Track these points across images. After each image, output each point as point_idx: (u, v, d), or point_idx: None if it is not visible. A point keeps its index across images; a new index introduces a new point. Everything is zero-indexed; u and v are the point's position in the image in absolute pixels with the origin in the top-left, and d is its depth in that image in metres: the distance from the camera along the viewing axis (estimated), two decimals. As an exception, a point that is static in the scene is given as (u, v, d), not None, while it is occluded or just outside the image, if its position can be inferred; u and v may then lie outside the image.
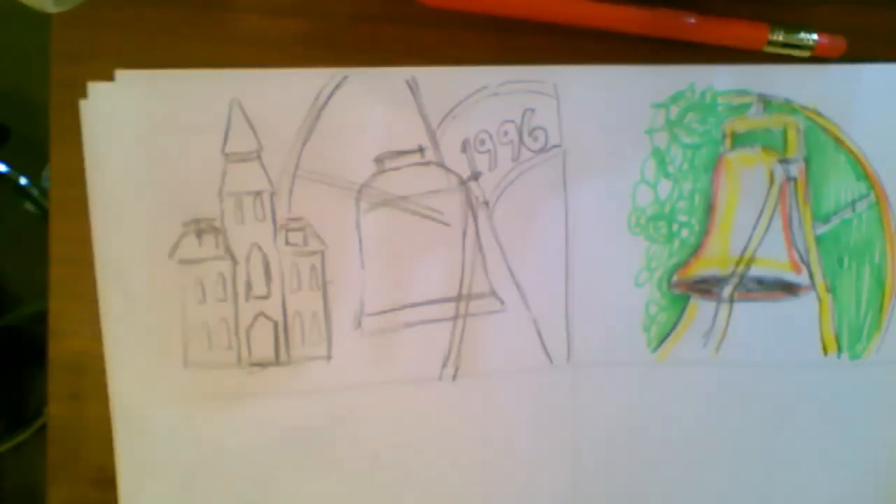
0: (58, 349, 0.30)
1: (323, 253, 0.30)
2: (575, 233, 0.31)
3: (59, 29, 0.29)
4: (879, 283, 0.32)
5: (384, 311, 0.31)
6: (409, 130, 0.31)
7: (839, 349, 0.32)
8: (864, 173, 0.32)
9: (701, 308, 0.32)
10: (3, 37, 0.29)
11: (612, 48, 0.31)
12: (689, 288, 0.32)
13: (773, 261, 0.32)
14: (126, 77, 0.29)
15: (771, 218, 0.32)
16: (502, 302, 0.31)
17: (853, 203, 0.32)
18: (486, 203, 0.31)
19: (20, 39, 0.29)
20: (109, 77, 0.29)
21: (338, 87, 0.30)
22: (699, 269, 0.32)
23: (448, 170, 0.31)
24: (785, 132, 0.32)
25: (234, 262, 0.30)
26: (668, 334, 0.32)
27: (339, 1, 0.31)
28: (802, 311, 0.32)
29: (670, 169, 0.32)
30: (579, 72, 0.31)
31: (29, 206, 0.74)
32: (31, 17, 0.28)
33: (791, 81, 0.32)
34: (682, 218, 0.32)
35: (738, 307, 0.32)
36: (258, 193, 0.30)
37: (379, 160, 0.30)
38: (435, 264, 0.31)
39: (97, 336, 0.30)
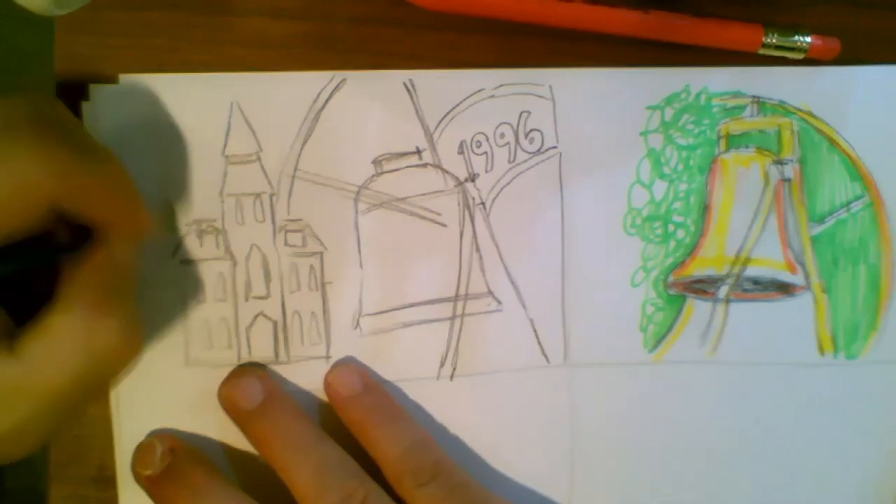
0: (60, 349, 0.30)
1: (322, 254, 0.31)
2: (571, 233, 0.32)
3: (62, 32, 0.30)
4: (875, 283, 0.32)
5: (382, 312, 0.31)
6: (407, 132, 0.31)
7: (835, 349, 0.32)
8: (858, 174, 0.32)
9: (697, 308, 0.32)
10: (7, 39, 0.30)
11: (608, 51, 0.32)
12: (685, 288, 0.32)
13: (769, 261, 0.32)
14: (129, 80, 0.30)
15: (766, 218, 0.32)
16: (499, 302, 0.32)
17: (848, 204, 0.32)
18: (483, 204, 0.31)
19: (23, 42, 0.30)
20: (112, 80, 0.29)
21: (336, 89, 0.30)
22: (695, 270, 0.32)
23: (445, 171, 0.31)
24: (779, 133, 0.32)
25: (234, 262, 0.30)
26: (665, 335, 0.32)
27: (338, 4, 0.31)
28: (798, 311, 0.32)
29: (665, 170, 0.32)
30: (575, 74, 0.31)
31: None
32: (34, 21, 0.28)
33: (785, 83, 0.32)
34: (678, 219, 0.32)
35: (735, 307, 0.32)
36: (258, 195, 0.30)
37: (377, 162, 0.31)
38: (432, 265, 0.31)
39: (99, 336, 0.30)
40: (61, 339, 0.23)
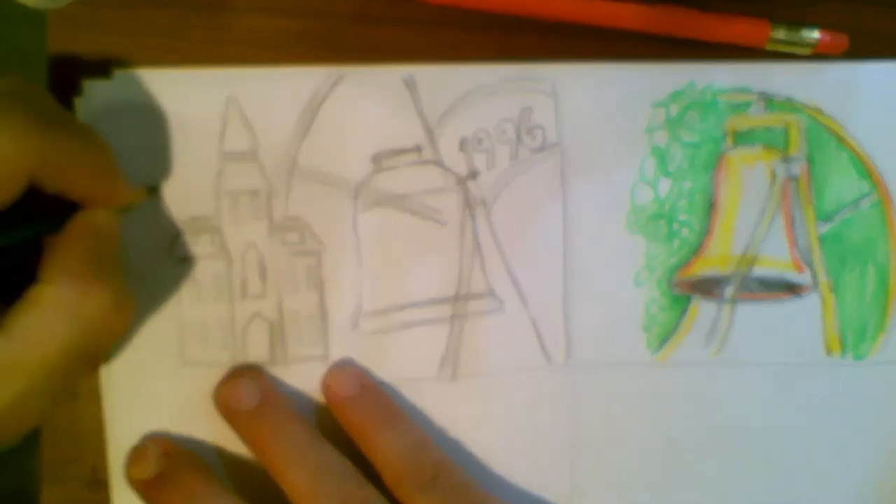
0: (53, 349, 0.30)
1: (319, 252, 0.30)
2: (573, 232, 0.31)
3: (55, 29, 0.29)
4: (883, 282, 0.32)
5: (381, 311, 0.31)
6: (407, 129, 0.30)
7: (843, 349, 0.32)
8: (866, 172, 0.32)
9: (702, 308, 0.32)
10: (2, 39, 0.29)
11: (611, 46, 0.31)
12: (690, 288, 0.32)
13: (776, 260, 0.32)
14: (123, 76, 0.29)
15: (773, 217, 0.32)
16: (500, 301, 0.31)
17: (856, 202, 0.32)
18: (484, 202, 0.31)
19: (19, 41, 0.29)
20: (106, 75, 0.29)
21: (334, 85, 0.30)
22: (700, 269, 0.32)
23: (446, 168, 0.31)
24: (786, 130, 0.32)
25: (230, 260, 0.30)
26: (670, 335, 0.32)
27: (337, 2, 0.31)
28: (805, 312, 0.32)
29: (670, 168, 0.32)
30: (578, 70, 0.31)
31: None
32: (29, 18, 0.28)
33: (792, 79, 0.32)
34: (683, 217, 0.32)
35: (741, 307, 0.32)
36: (254, 192, 0.30)
37: (376, 159, 0.30)
38: (432, 263, 0.31)
39: (93, 336, 0.30)
40: (50, 310, 0.23)
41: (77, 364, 0.23)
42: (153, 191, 0.29)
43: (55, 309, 0.23)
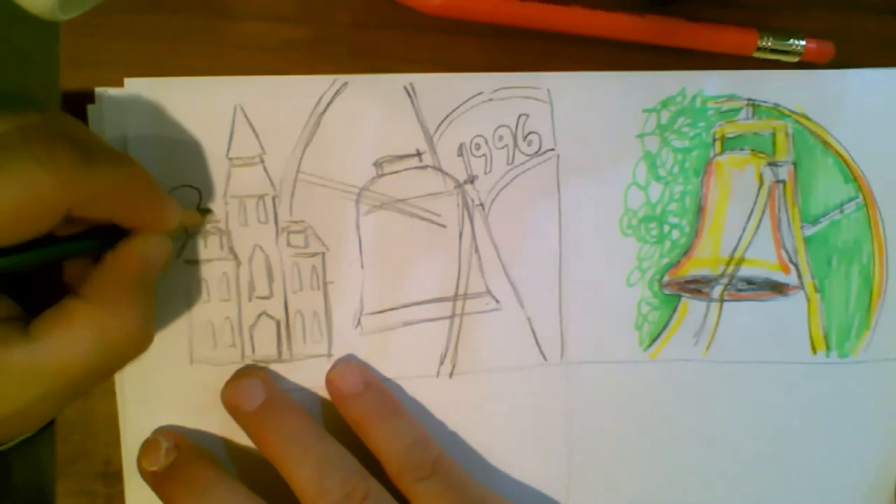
0: (67, 347, 0.31)
1: (323, 254, 0.31)
2: (568, 234, 0.32)
3: (67, 35, 0.30)
4: (867, 282, 0.33)
5: (383, 311, 0.32)
6: (407, 135, 0.31)
7: (828, 348, 0.33)
8: (851, 176, 0.33)
9: (692, 308, 0.33)
10: (10, 40, 0.30)
11: (605, 55, 0.32)
12: (680, 288, 0.33)
13: (763, 261, 0.33)
14: (133, 84, 0.30)
15: (760, 219, 0.33)
16: (498, 301, 0.32)
17: (841, 205, 0.33)
18: (482, 205, 0.32)
19: (26, 43, 0.30)
20: (117, 83, 0.30)
21: (338, 93, 0.31)
22: (690, 270, 0.33)
23: (445, 173, 0.32)
24: (774, 136, 0.33)
25: (238, 262, 0.31)
26: (660, 333, 0.33)
27: (339, 9, 0.31)
28: (791, 311, 0.33)
29: (661, 172, 0.33)
30: (573, 78, 0.32)
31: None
32: (37, 22, 0.29)
33: (780, 86, 0.33)
34: (673, 220, 0.33)
35: (728, 307, 0.33)
36: (261, 197, 0.31)
37: (378, 164, 0.31)
38: (432, 265, 0.32)
39: (105, 334, 0.31)
40: (79, 327, 0.24)
41: (92, 378, 0.24)
42: (207, 212, 0.30)
43: (85, 327, 0.24)
